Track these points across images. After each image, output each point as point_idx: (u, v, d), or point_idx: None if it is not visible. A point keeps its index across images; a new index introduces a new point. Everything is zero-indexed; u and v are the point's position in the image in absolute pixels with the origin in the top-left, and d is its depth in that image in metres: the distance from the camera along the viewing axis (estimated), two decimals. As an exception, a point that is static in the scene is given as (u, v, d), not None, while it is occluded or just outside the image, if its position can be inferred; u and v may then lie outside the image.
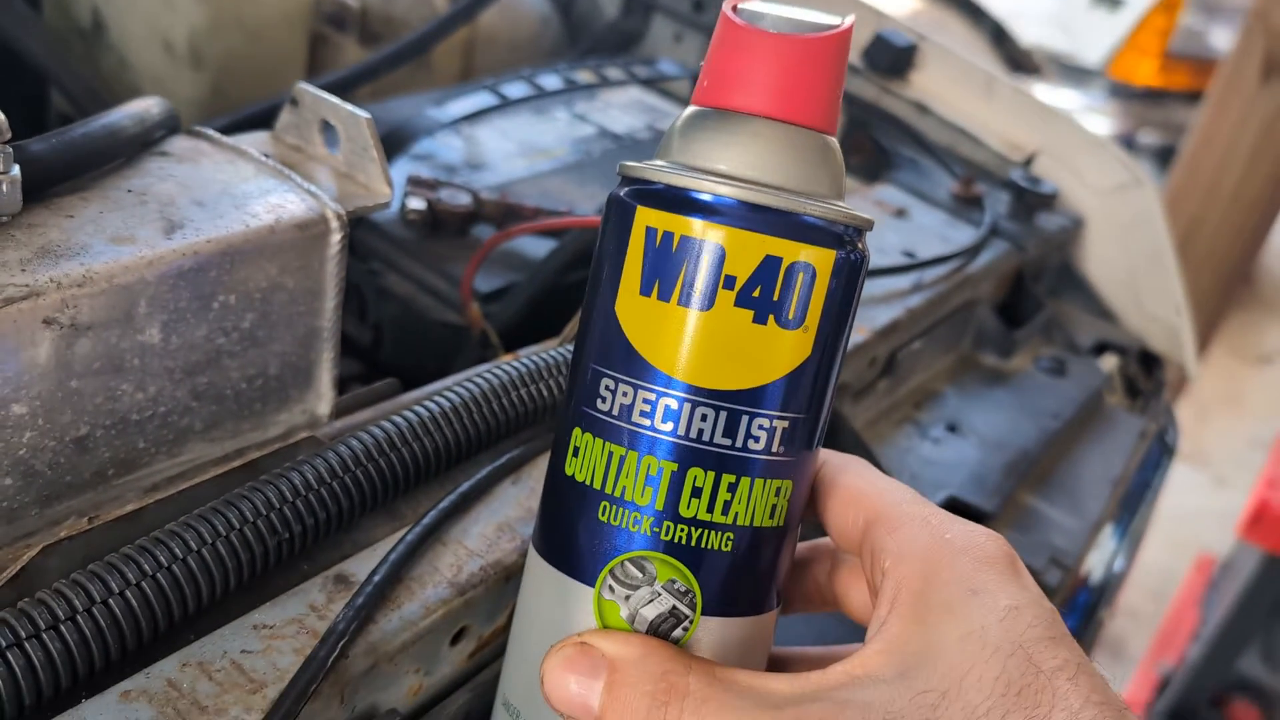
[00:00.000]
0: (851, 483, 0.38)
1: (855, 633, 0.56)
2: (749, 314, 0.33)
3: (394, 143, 0.82)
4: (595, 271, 0.36)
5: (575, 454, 0.35)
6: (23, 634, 0.34)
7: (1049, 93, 3.51)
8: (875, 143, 0.95)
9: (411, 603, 0.40)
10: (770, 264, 0.33)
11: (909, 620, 0.33)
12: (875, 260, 0.73)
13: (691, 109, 0.36)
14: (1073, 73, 3.52)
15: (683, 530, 0.34)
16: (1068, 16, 3.54)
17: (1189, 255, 2.25)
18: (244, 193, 0.44)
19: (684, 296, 0.33)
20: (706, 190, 0.33)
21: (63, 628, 0.34)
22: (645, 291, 0.34)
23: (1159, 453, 0.94)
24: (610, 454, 0.34)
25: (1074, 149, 0.91)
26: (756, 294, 0.33)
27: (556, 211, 0.74)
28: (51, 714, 0.34)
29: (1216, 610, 2.23)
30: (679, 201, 0.33)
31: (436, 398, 0.46)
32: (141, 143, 0.46)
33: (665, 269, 0.33)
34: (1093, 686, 0.31)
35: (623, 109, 0.99)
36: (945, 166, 0.91)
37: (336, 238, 0.46)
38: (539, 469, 0.48)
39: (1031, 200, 0.86)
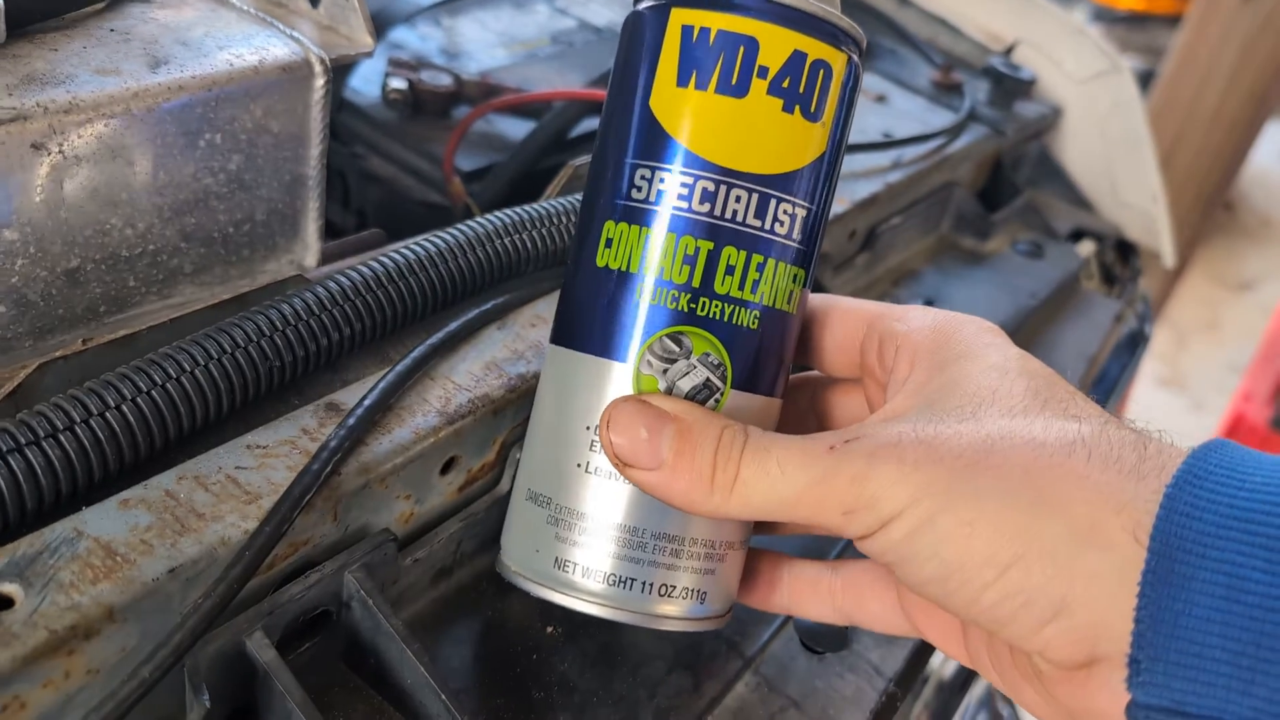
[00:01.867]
0: (847, 303, 0.41)
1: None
2: (779, 102, 0.36)
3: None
4: (619, 81, 0.38)
5: (608, 245, 0.37)
6: (22, 440, 0.35)
7: (1032, 17, 3.48)
8: (856, 35, 0.95)
9: (402, 428, 0.41)
10: (797, 58, 0.36)
11: (930, 369, 0.36)
12: (855, 139, 0.74)
13: None
14: (1056, -4, 3.50)
15: (717, 306, 0.36)
16: (1052, -61, 3.51)
17: (1170, 175, 2.25)
18: (228, 36, 0.45)
19: (721, 84, 0.36)
20: None
21: (61, 437, 0.35)
22: (682, 83, 0.36)
23: (1132, 346, 0.96)
24: (648, 238, 0.36)
25: (1053, 37, 0.92)
26: (786, 84, 0.36)
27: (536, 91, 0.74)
28: (53, 519, 0.35)
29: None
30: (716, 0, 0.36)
31: (423, 241, 0.47)
32: (122, -12, 0.46)
33: (702, 60, 0.36)
34: (1099, 406, 0.34)
35: (603, 3, 0.99)
36: (925, 56, 0.91)
37: (320, 82, 0.46)
38: (524, 315, 0.49)
39: (1010, 86, 0.86)
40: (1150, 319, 0.98)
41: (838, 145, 0.38)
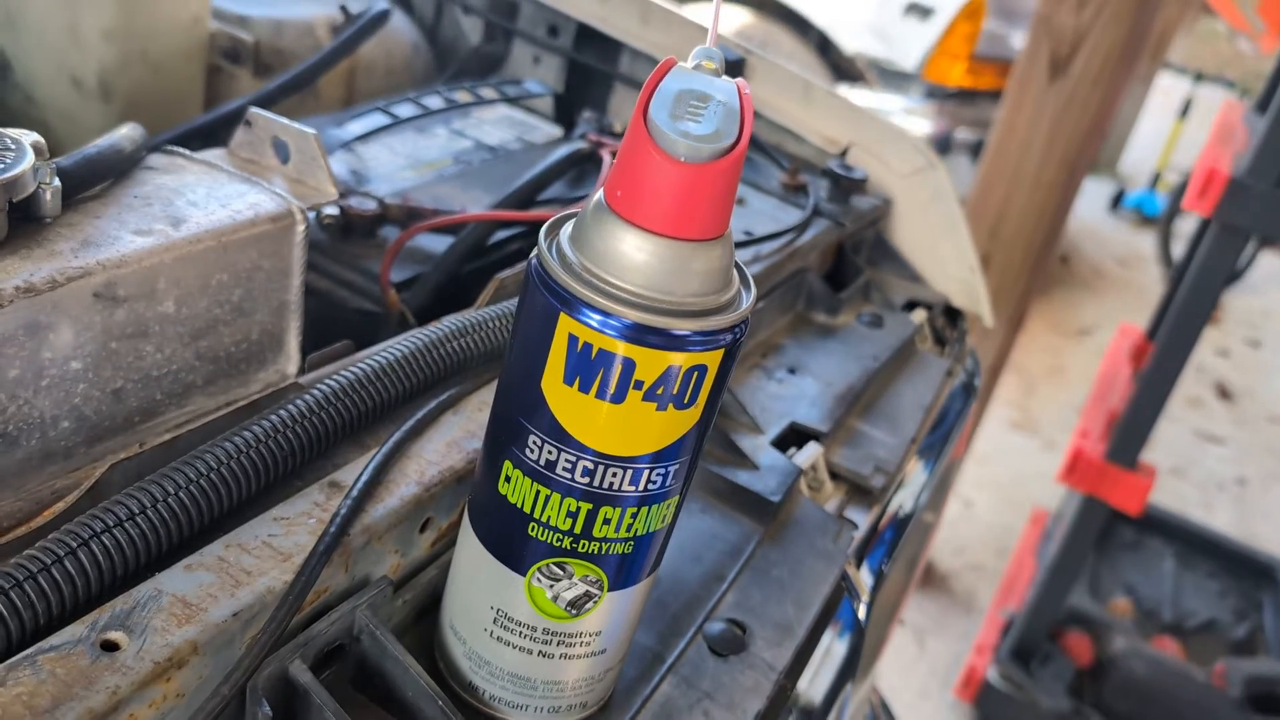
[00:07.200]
0: None
1: (744, 537, 0.70)
2: (653, 405, 0.42)
3: (299, 160, 0.93)
4: (520, 339, 0.43)
5: (507, 480, 0.45)
6: (110, 524, 0.45)
7: (873, 96, 3.78)
8: (715, 143, 1.11)
9: (390, 497, 0.52)
10: (672, 370, 0.41)
11: None
12: (721, 237, 0.88)
13: (605, 211, 0.41)
14: (892, 77, 3.81)
15: (595, 545, 0.45)
16: (884, 25, 3.83)
17: (1002, 234, 2.50)
18: (226, 194, 0.56)
19: (601, 392, 0.41)
20: (621, 315, 0.40)
21: (138, 519, 0.46)
22: (568, 382, 0.41)
23: (964, 395, 1.12)
24: (537, 491, 0.44)
25: (879, 140, 1.09)
26: (659, 391, 0.41)
27: (453, 211, 0.86)
28: (134, 584, 0.45)
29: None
30: (597, 320, 0.40)
31: (388, 349, 0.59)
32: (134, 160, 0.57)
33: (585, 369, 0.41)
34: None
35: (494, 124, 1.13)
36: (774, 160, 1.07)
37: (300, 228, 0.58)
38: (472, 402, 0.61)
39: (846, 185, 1.02)
40: (978, 373, 1.15)
41: (714, 406, 0.44)
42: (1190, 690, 2.29)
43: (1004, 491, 3.35)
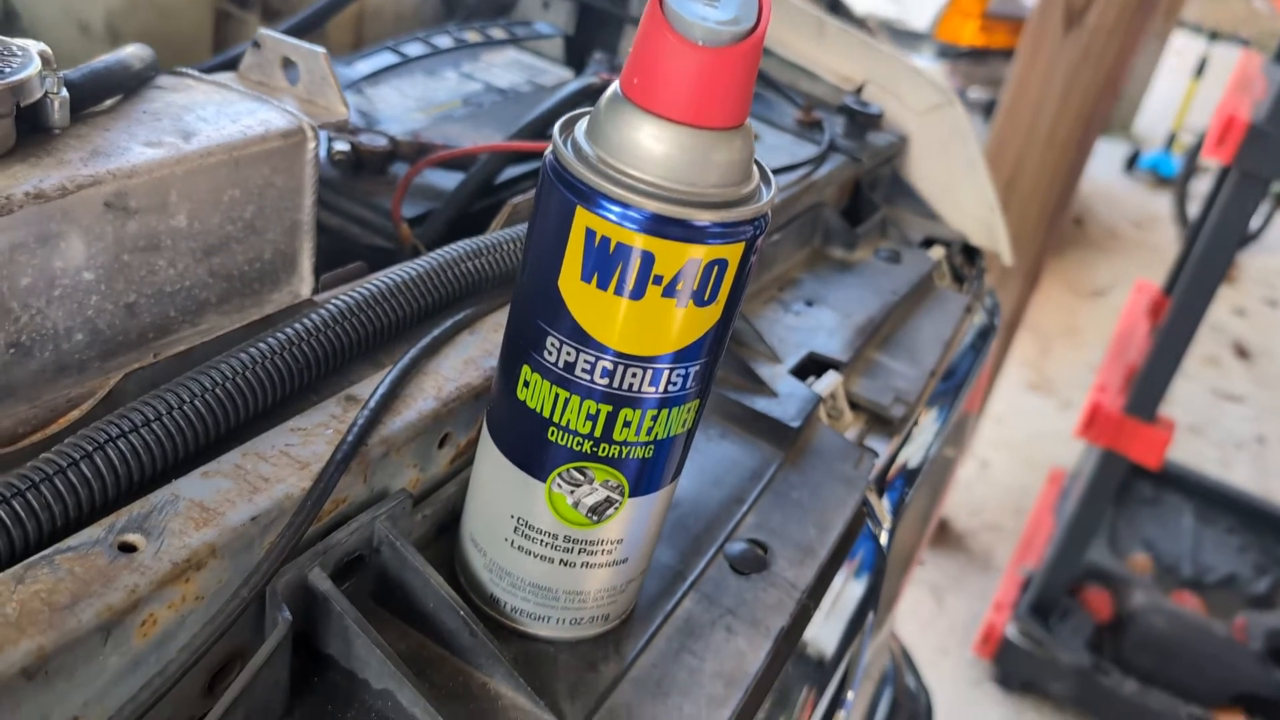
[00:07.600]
0: None
1: (764, 462, 0.69)
2: (672, 301, 0.40)
3: (309, 100, 0.92)
4: (536, 239, 0.42)
5: (525, 385, 0.44)
6: (125, 429, 0.44)
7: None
8: (728, 84, 1.09)
9: (409, 410, 0.52)
10: (691, 264, 0.40)
11: None
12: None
13: (622, 100, 0.40)
14: (904, 37, 3.77)
15: (615, 448, 0.44)
16: (895, -15, 3.80)
17: (1016, 192, 2.47)
18: (236, 111, 0.55)
19: (619, 288, 0.40)
20: (640, 206, 0.39)
21: (153, 425, 0.45)
22: (586, 279, 0.40)
23: (983, 334, 1.11)
24: (556, 395, 0.43)
25: (895, 77, 1.07)
26: (680, 286, 0.40)
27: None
28: (150, 490, 0.44)
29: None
30: (615, 212, 0.39)
31: (406, 268, 0.58)
32: (142, 79, 0.56)
33: (603, 265, 0.40)
34: None
35: (504, 67, 1.11)
36: (788, 98, 1.06)
37: (312, 145, 0.57)
38: (488, 323, 0.60)
39: (862, 120, 1.01)
40: (998, 312, 1.14)
41: (734, 306, 0.42)
42: (1211, 644, 2.28)
43: (1020, 452, 3.34)
